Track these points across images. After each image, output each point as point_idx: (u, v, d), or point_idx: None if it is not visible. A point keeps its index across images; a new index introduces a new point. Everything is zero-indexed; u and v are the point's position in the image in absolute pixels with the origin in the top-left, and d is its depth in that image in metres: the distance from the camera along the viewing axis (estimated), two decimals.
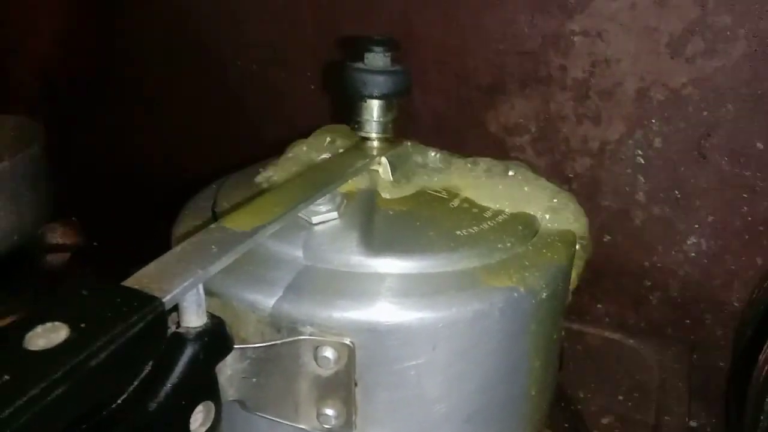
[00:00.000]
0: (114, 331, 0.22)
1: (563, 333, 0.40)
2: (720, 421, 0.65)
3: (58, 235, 0.70)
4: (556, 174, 0.63)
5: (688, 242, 0.61)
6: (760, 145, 0.56)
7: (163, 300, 0.24)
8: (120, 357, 0.22)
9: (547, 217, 0.39)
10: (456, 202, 0.38)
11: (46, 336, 0.21)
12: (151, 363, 0.26)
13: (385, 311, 0.31)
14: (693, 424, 0.67)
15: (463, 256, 0.34)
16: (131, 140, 0.84)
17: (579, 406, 0.50)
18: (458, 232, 0.35)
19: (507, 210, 0.38)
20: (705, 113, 0.57)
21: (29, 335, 0.21)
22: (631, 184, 0.61)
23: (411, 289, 0.32)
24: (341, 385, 0.32)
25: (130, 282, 0.25)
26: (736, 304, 0.61)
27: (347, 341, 0.31)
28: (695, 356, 0.64)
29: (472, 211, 0.37)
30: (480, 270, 0.33)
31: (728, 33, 0.54)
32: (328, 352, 0.31)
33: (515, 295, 0.33)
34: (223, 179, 0.43)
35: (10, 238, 0.60)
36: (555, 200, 0.39)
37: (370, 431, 0.33)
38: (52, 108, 0.88)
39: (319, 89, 0.70)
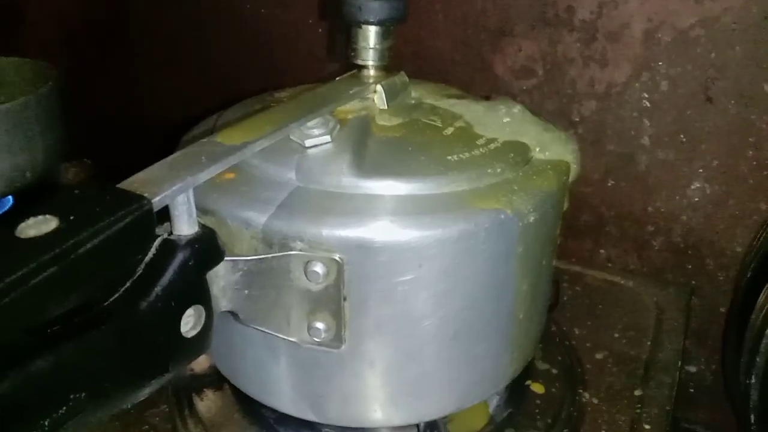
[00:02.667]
0: (101, 224, 0.23)
1: (554, 262, 0.41)
2: (719, 367, 0.66)
3: (70, 175, 0.72)
4: (562, 118, 0.63)
5: (692, 187, 0.61)
6: (767, 88, 0.55)
7: (152, 200, 0.25)
8: (106, 249, 0.23)
9: (539, 149, 0.39)
10: (449, 131, 0.38)
11: (37, 227, 0.23)
12: (143, 266, 0.28)
13: (373, 229, 0.32)
14: (692, 369, 0.68)
15: (453, 180, 0.34)
16: (147, 84, 0.85)
17: (573, 342, 0.51)
18: (449, 158, 0.36)
19: (500, 139, 0.38)
20: (712, 55, 0.56)
21: (21, 226, 0.23)
22: (637, 128, 0.61)
23: (399, 209, 0.33)
24: (331, 300, 0.33)
25: (122, 185, 0.26)
26: (738, 250, 0.61)
27: (336, 257, 0.32)
28: (696, 301, 0.64)
29: (465, 139, 0.38)
30: (468, 193, 0.34)
31: None
32: (318, 267, 0.32)
33: (501, 216, 0.33)
34: (225, 109, 0.44)
35: (22, 175, 0.62)
36: (548, 132, 0.40)
37: (359, 346, 0.35)
38: (70, 52, 0.89)
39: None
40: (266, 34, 0.74)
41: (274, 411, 0.43)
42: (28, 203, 0.23)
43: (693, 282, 0.64)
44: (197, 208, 0.33)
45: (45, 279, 0.21)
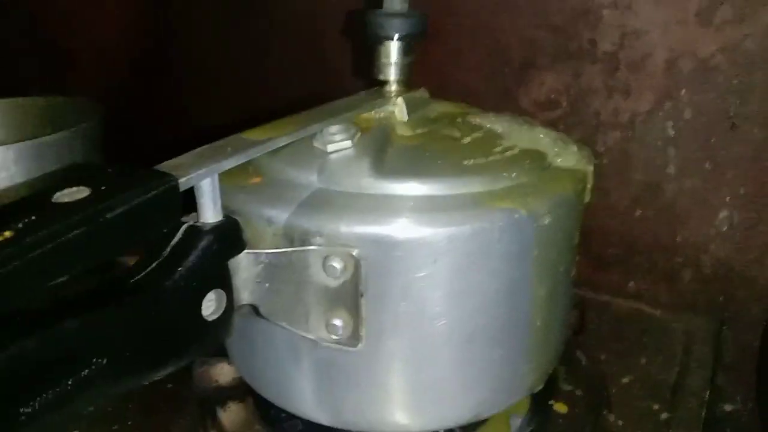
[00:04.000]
0: (128, 194, 0.24)
1: (573, 272, 0.41)
2: (756, 404, 0.64)
3: None
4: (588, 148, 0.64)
5: (720, 216, 0.60)
6: None
7: (178, 179, 0.27)
8: (132, 218, 0.25)
9: (558, 159, 0.40)
10: (467, 140, 0.40)
11: (71, 195, 0.24)
12: (169, 249, 0.29)
13: (389, 225, 0.33)
14: (727, 407, 0.66)
15: (468, 182, 0.35)
16: (192, 113, 0.88)
17: (600, 366, 0.51)
18: (466, 162, 0.37)
19: (517, 148, 0.39)
20: (735, 81, 0.57)
21: (57, 194, 0.24)
22: (662, 157, 0.61)
23: (415, 207, 0.34)
24: (348, 296, 0.34)
25: (158, 166, 0.28)
26: None
27: (354, 252, 0.33)
28: (729, 333, 0.63)
29: (482, 147, 0.39)
30: (483, 194, 0.35)
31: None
32: (336, 262, 0.33)
33: (516, 216, 0.34)
34: None
35: None
36: (564, 143, 0.41)
37: (376, 345, 0.35)
38: (116, 90, 0.93)
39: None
40: (306, 60, 0.77)
41: (296, 425, 0.43)
42: (68, 178, 0.25)
43: (726, 314, 0.63)
44: (226, 209, 0.35)
45: (73, 238, 0.22)
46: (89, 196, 0.24)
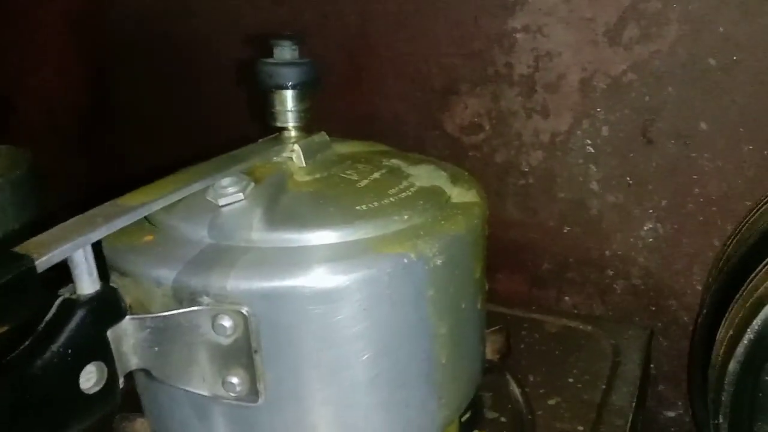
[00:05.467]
0: None
1: (480, 305, 0.41)
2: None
3: None
4: (512, 168, 0.65)
5: (645, 228, 0.61)
6: (704, 126, 0.56)
7: (36, 260, 0.26)
8: None
9: (453, 192, 0.40)
10: (364, 183, 0.40)
11: None
12: (43, 325, 0.29)
13: (275, 280, 0.33)
14: (671, 413, 0.66)
15: (358, 228, 0.35)
16: (125, 160, 0.88)
17: (527, 389, 0.51)
18: (358, 208, 0.37)
19: (413, 188, 0.40)
20: (647, 98, 0.58)
21: None
22: (584, 174, 0.62)
23: (304, 259, 0.34)
24: (242, 353, 0.34)
25: (18, 247, 0.28)
26: (698, 288, 0.61)
27: (242, 310, 0.33)
28: (665, 343, 0.64)
29: (377, 190, 0.39)
30: (373, 240, 0.35)
31: (660, 17, 0.55)
32: (225, 321, 0.33)
33: (405, 260, 0.34)
34: None
35: None
36: (457, 177, 0.41)
37: (277, 398, 0.35)
38: (54, 135, 0.93)
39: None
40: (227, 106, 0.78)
41: None
42: None
43: (659, 324, 0.64)
44: (118, 270, 0.35)
45: None
46: None
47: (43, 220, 0.72)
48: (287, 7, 0.69)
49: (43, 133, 0.96)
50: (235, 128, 0.77)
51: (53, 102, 0.93)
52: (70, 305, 0.29)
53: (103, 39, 0.84)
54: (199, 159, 0.40)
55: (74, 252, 0.29)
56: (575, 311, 0.67)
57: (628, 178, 0.61)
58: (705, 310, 0.57)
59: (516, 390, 0.50)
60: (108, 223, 0.30)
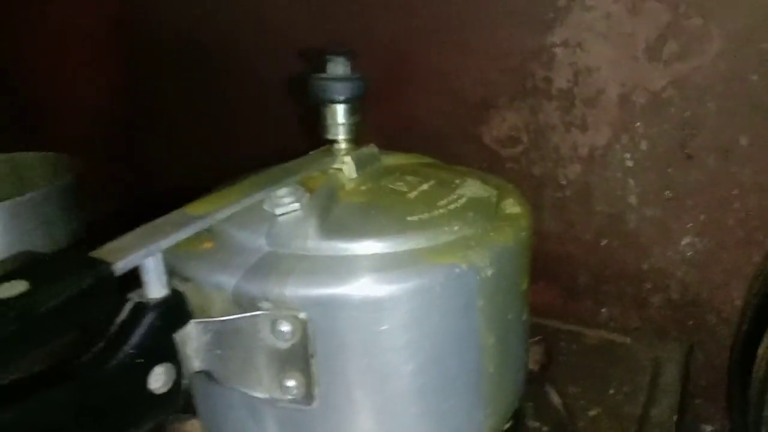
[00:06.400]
0: (63, 285, 0.26)
1: (525, 317, 0.42)
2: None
3: None
4: (550, 181, 0.65)
5: (683, 242, 0.62)
6: (743, 141, 0.57)
7: (113, 265, 0.28)
8: (68, 309, 0.26)
9: (500, 204, 0.41)
10: (413, 194, 0.41)
11: (8, 290, 0.25)
12: (115, 327, 0.30)
13: (331, 287, 0.34)
14: (708, 428, 0.66)
15: (410, 239, 0.37)
16: (165, 173, 0.90)
17: (567, 400, 0.51)
18: (409, 218, 0.38)
19: (461, 199, 0.41)
20: (687, 113, 0.58)
21: None
22: (622, 188, 0.63)
23: (358, 268, 0.35)
24: (299, 357, 0.35)
25: (94, 252, 0.29)
26: (737, 303, 0.61)
27: (301, 315, 0.34)
28: (702, 357, 0.64)
29: (426, 201, 0.40)
30: (425, 250, 0.36)
31: (701, 34, 0.56)
32: (284, 326, 0.34)
33: (456, 270, 0.35)
34: None
35: None
36: (503, 189, 0.42)
37: (331, 403, 0.36)
38: (97, 145, 0.95)
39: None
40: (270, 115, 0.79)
41: None
42: (8, 271, 0.26)
43: (696, 338, 0.64)
44: (179, 275, 0.36)
45: (11, 333, 0.24)
46: (25, 290, 0.25)
47: (89, 227, 0.75)
48: (328, 23, 0.71)
49: (78, 141, 0.98)
50: (273, 140, 0.80)
51: (91, 111, 0.96)
52: (141, 309, 0.31)
53: (141, 48, 0.87)
54: (235, 169, 0.41)
55: (146, 258, 0.30)
56: (611, 323, 0.67)
57: (666, 192, 0.61)
58: (745, 326, 0.57)
59: (557, 400, 0.51)
60: (177, 231, 0.32)
